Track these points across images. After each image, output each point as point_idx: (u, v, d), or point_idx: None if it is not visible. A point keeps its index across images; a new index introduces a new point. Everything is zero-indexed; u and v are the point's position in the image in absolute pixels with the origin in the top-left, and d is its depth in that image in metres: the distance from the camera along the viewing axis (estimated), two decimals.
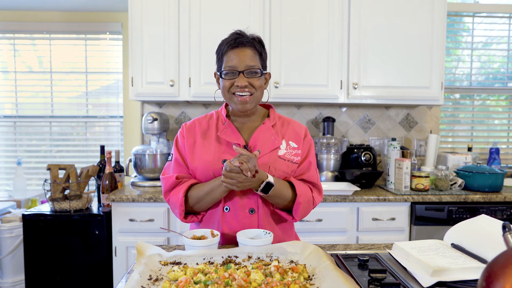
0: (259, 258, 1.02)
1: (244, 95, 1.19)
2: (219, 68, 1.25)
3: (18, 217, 2.42)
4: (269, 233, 1.12)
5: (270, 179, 1.16)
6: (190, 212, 1.27)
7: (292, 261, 1.00)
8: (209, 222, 1.27)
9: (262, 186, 1.15)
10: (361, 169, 2.49)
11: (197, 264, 0.98)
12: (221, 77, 1.21)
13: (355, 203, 2.16)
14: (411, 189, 2.28)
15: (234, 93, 1.20)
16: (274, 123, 1.30)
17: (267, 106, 1.37)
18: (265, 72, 1.27)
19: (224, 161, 1.13)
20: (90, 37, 2.89)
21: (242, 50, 1.19)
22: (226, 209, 1.23)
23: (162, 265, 0.97)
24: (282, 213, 1.25)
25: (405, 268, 0.93)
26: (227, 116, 1.30)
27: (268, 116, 1.32)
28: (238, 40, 1.19)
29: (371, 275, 0.88)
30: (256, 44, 1.22)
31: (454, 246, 1.02)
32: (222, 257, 1.02)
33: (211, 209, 1.26)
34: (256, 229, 1.18)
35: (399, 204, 2.17)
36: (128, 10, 2.30)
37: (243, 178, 1.10)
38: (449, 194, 2.20)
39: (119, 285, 0.90)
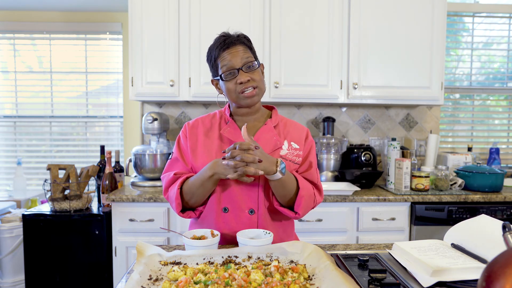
0: (259, 258, 1.02)
1: (249, 90, 1.20)
2: (215, 73, 1.25)
3: (18, 217, 2.42)
4: (269, 233, 1.12)
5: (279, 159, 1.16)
6: (187, 208, 1.27)
7: (292, 261, 1.00)
8: (208, 223, 1.26)
9: (279, 163, 1.13)
10: (361, 169, 2.49)
11: (197, 264, 0.98)
12: (223, 80, 1.22)
13: (355, 203, 2.16)
14: (411, 189, 2.28)
15: (241, 92, 1.21)
16: (276, 124, 1.31)
17: (270, 108, 1.38)
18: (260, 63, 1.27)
19: (224, 151, 1.12)
20: (90, 37, 2.89)
21: (234, 49, 1.20)
22: (225, 209, 1.23)
23: (162, 265, 0.97)
24: (284, 210, 1.24)
25: (405, 268, 0.93)
26: (231, 115, 1.32)
27: (271, 117, 1.33)
28: (227, 41, 1.20)
29: (371, 275, 0.88)
30: (244, 40, 1.24)
31: (454, 246, 1.02)
32: (222, 257, 1.02)
33: (209, 209, 1.26)
34: (256, 229, 1.18)
35: (399, 204, 2.17)
36: (128, 10, 2.30)
37: (260, 155, 1.09)
38: (449, 194, 2.20)
39: (119, 285, 0.89)
